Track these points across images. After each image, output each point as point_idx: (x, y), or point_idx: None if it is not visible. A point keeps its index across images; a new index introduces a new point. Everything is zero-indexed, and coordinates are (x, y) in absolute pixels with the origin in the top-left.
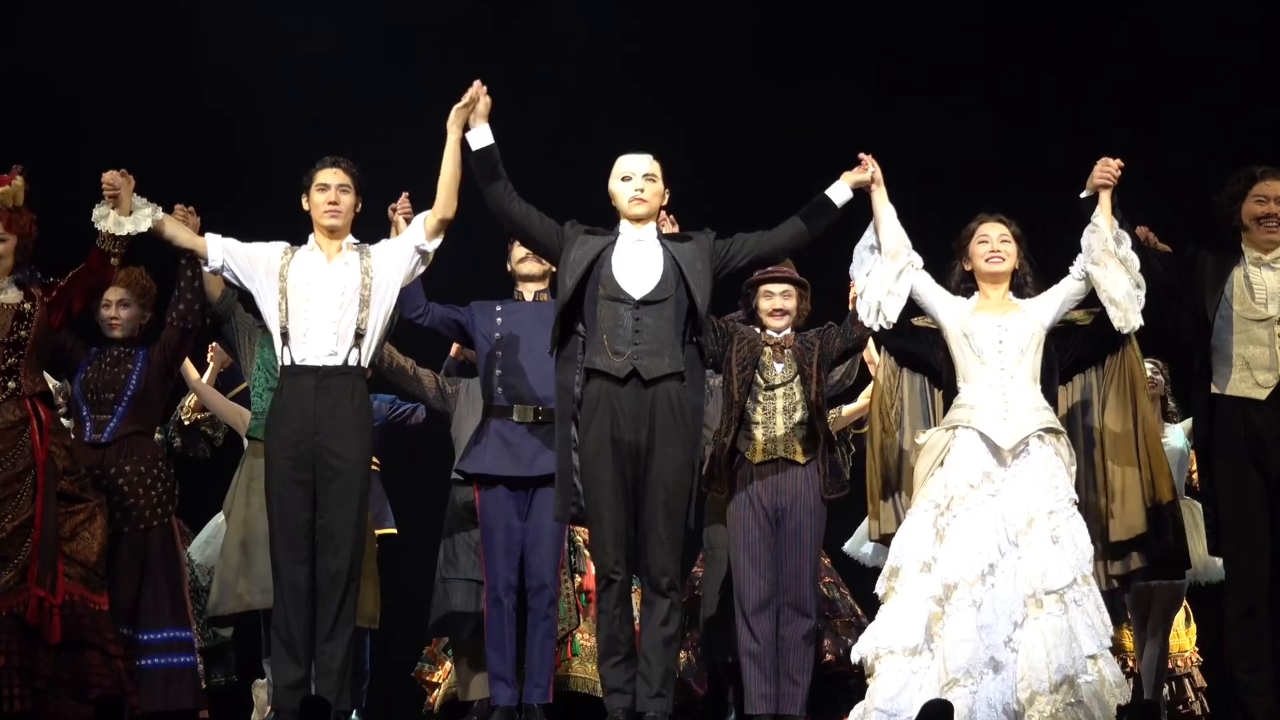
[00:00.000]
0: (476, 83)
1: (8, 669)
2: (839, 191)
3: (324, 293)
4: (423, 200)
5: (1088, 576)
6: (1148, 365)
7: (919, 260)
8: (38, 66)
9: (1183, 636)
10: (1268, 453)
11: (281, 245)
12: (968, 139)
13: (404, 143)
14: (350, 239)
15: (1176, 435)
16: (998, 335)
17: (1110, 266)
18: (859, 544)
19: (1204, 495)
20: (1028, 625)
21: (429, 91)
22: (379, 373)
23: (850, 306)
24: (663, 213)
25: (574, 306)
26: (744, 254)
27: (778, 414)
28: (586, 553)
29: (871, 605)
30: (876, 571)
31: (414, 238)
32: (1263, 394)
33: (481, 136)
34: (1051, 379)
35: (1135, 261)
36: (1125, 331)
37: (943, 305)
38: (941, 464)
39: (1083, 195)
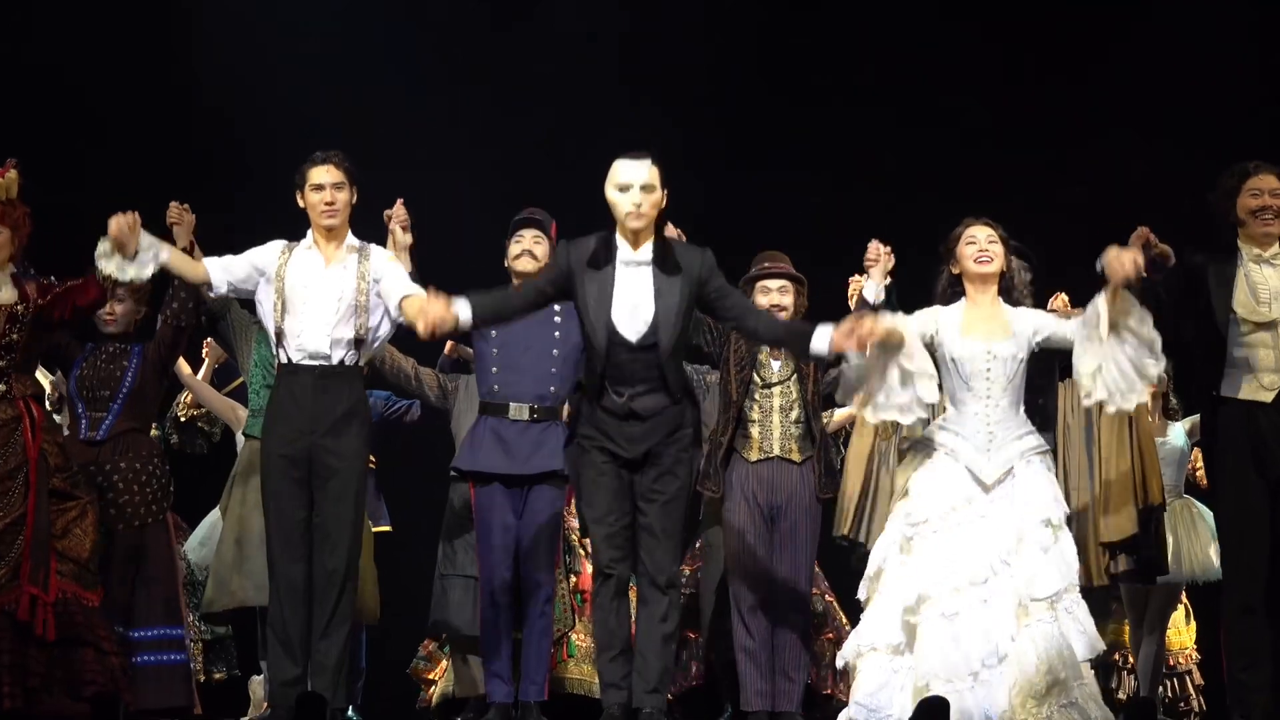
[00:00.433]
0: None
1: None
2: (821, 340)
3: (321, 295)
4: (421, 208)
5: (1075, 586)
6: None
7: (918, 354)
8: (37, 67)
9: (1183, 634)
10: (1270, 453)
11: (278, 246)
12: (966, 141)
13: (404, 142)
14: (350, 239)
15: (1177, 433)
16: (985, 363)
17: (1090, 349)
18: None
19: (1212, 494)
20: (1020, 633)
21: (429, 91)
22: (380, 374)
23: (851, 302)
24: (669, 225)
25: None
26: (728, 318)
27: (774, 412)
28: (581, 552)
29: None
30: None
31: (392, 299)
32: (1269, 396)
33: (465, 312)
34: (1049, 378)
35: (1149, 344)
36: (1087, 405)
37: (933, 332)
38: (922, 483)
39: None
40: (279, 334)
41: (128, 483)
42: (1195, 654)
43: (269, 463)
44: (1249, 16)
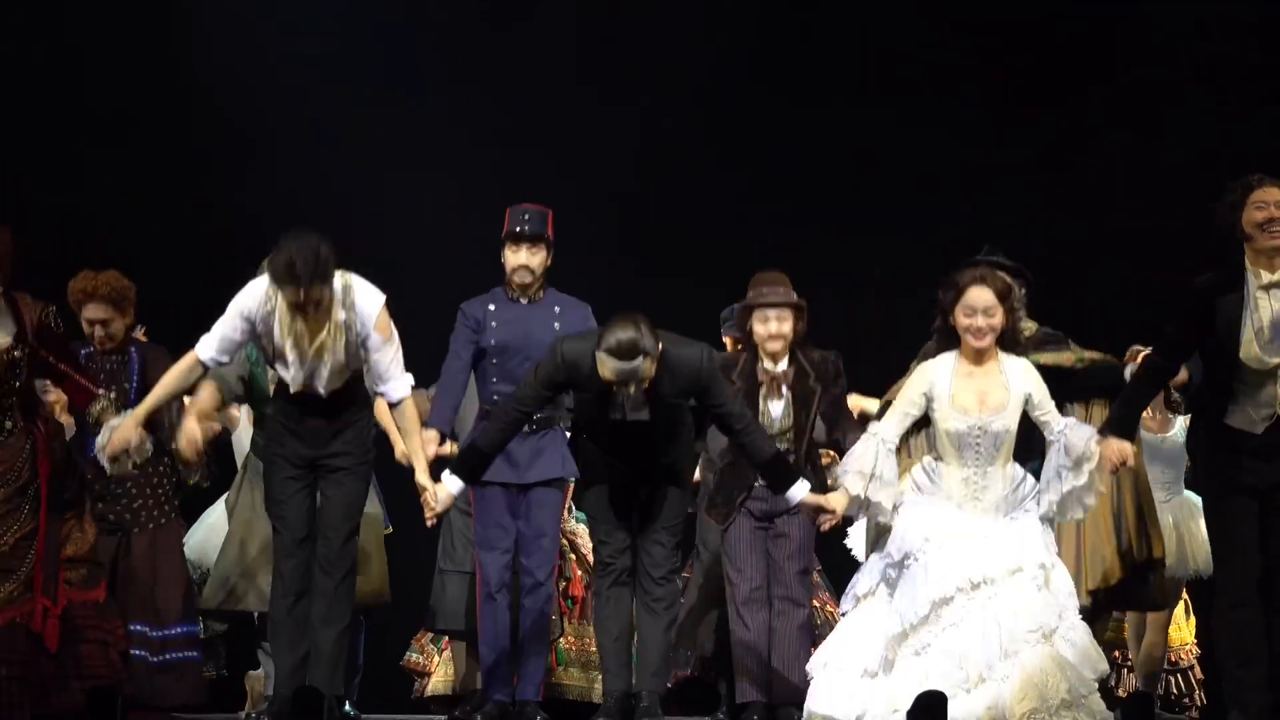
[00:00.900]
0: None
1: (8, 679)
2: (798, 491)
3: (308, 348)
4: (421, 207)
5: (1072, 610)
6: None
7: (889, 440)
8: (37, 68)
9: (1183, 629)
10: (1257, 468)
11: (257, 298)
12: (966, 142)
13: (404, 142)
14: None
15: (1179, 429)
16: (975, 437)
17: (1048, 474)
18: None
19: (1200, 491)
20: (1023, 653)
21: (429, 91)
22: None
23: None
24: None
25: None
26: (722, 426)
27: None
28: (573, 557)
29: None
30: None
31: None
32: (1260, 429)
33: (455, 486)
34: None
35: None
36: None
37: (925, 393)
38: (907, 517)
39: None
40: (272, 364)
41: (139, 486)
42: (1195, 649)
43: (273, 464)
44: (1248, 16)
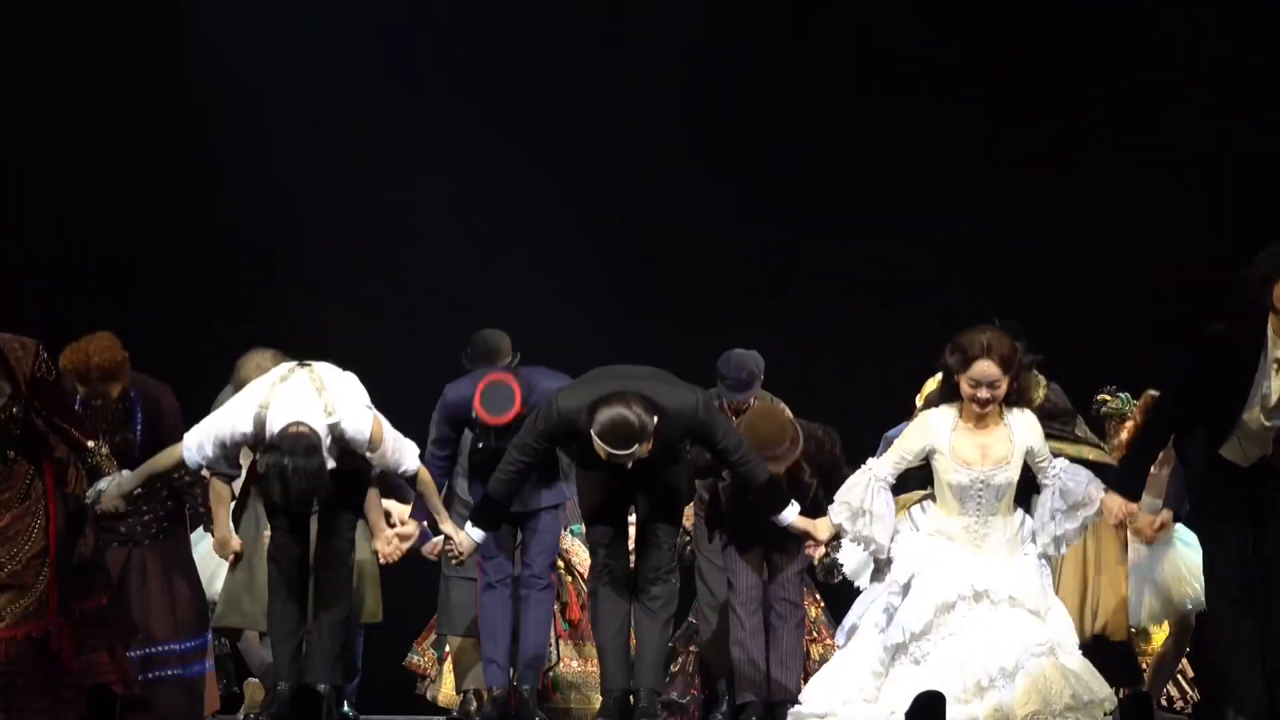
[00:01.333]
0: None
1: (23, 690)
2: (788, 514)
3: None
4: (420, 207)
5: (1072, 643)
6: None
7: (882, 477)
8: (36, 69)
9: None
10: (1247, 477)
11: (239, 432)
12: (965, 154)
13: (404, 142)
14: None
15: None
16: (977, 489)
17: (1042, 516)
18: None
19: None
20: (1027, 664)
21: (428, 91)
22: None
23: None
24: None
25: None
26: (720, 460)
27: None
28: (569, 579)
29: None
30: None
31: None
32: (1246, 463)
33: (478, 534)
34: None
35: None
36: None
37: (926, 448)
38: (904, 550)
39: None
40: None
41: (147, 500)
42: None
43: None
44: (1248, 17)
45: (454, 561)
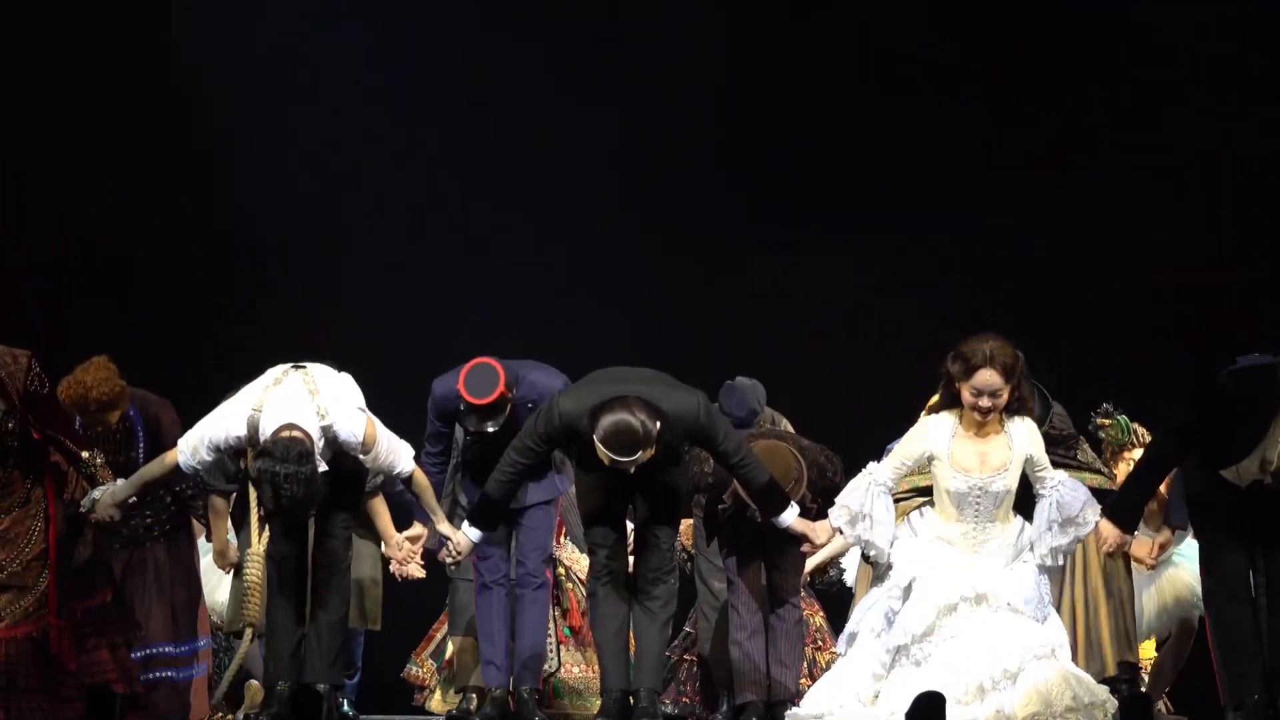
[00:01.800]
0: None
1: (25, 690)
2: (788, 516)
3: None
4: (420, 207)
5: (1067, 652)
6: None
7: (883, 482)
8: (36, 70)
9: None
10: (1248, 510)
11: (243, 422)
12: (966, 155)
13: (403, 142)
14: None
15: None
16: (976, 496)
17: (1039, 528)
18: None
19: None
20: (1028, 668)
21: (429, 91)
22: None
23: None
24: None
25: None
26: (721, 461)
27: None
28: (569, 585)
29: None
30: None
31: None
32: (1241, 484)
33: (474, 534)
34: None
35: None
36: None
37: (921, 463)
38: (904, 555)
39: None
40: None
41: (149, 503)
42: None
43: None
44: (1246, 17)
45: (449, 562)
